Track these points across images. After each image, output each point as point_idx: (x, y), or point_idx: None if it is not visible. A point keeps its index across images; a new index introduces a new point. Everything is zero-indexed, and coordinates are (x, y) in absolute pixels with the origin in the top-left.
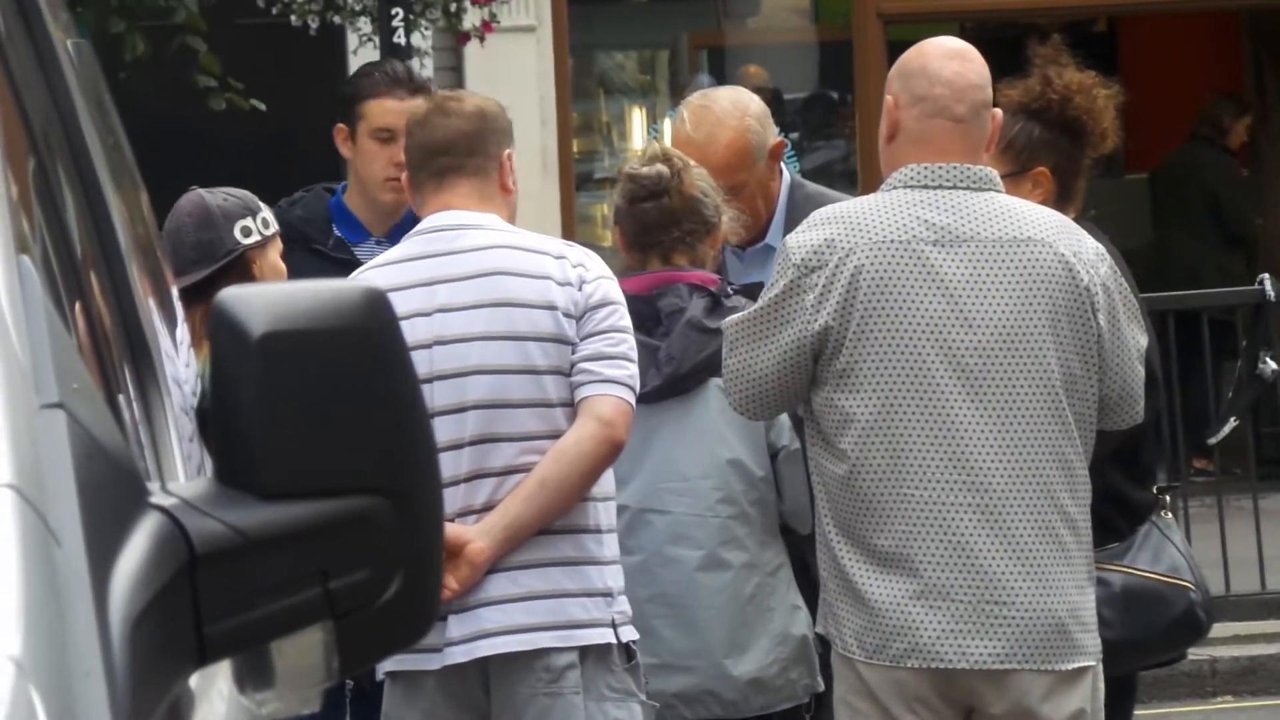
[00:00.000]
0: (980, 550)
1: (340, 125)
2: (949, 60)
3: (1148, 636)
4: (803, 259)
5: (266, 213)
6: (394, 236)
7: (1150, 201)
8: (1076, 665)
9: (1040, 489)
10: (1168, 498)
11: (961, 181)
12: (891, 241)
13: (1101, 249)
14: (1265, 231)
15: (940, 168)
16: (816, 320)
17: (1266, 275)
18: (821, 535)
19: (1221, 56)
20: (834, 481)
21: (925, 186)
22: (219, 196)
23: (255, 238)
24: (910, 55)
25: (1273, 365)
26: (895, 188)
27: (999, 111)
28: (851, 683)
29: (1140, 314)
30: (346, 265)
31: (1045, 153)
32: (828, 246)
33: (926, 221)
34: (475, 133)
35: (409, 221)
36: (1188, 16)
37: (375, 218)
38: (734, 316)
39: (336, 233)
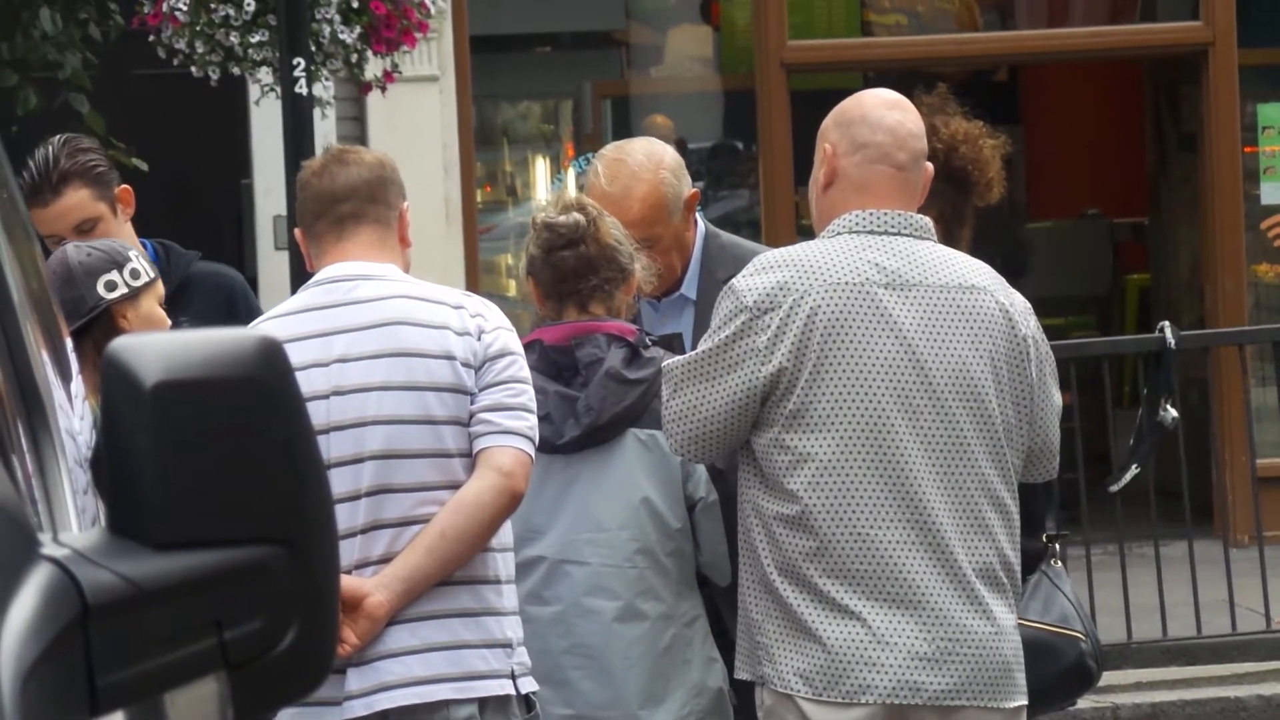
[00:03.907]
0: (932, 590)
1: None
2: (889, 110)
3: (1039, 687)
4: (755, 301)
5: (138, 263)
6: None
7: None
8: (1017, 704)
9: (983, 533)
10: (1057, 546)
11: (904, 229)
12: (845, 284)
13: (1028, 304)
14: (1165, 278)
15: (885, 214)
16: (770, 362)
17: (1166, 323)
18: (758, 578)
19: (1123, 105)
20: (779, 523)
21: (871, 232)
22: (83, 251)
23: (121, 290)
24: (849, 104)
25: (1173, 413)
26: (840, 233)
27: (930, 164)
28: None
29: (1055, 373)
30: None
31: (930, 201)
32: (781, 289)
33: (877, 265)
34: (377, 181)
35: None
36: (1089, 65)
37: None
38: (677, 358)
39: None
